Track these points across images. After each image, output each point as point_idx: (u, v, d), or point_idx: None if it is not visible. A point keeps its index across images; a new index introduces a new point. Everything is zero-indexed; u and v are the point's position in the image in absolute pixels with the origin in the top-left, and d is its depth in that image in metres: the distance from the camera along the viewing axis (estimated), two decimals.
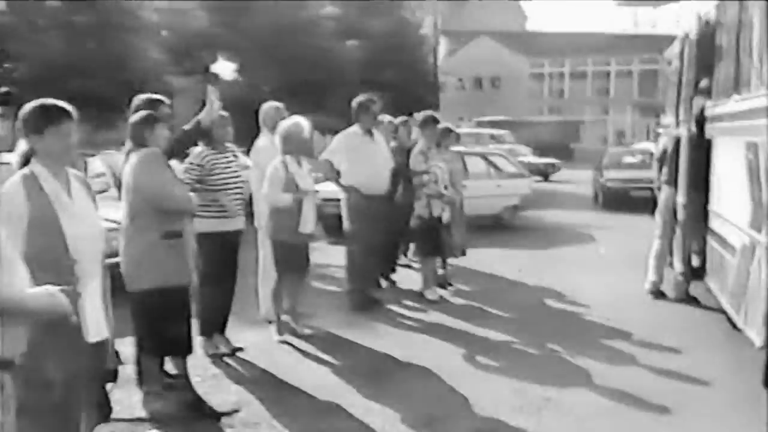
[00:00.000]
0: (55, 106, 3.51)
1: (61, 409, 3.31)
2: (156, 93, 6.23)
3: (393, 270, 9.75)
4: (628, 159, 21.47)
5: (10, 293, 2.65)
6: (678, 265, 9.11)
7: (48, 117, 3.47)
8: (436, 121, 9.10)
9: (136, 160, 5.08)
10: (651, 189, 16.42)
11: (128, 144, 5.29)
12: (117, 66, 19.34)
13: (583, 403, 5.54)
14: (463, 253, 9.66)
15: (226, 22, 21.74)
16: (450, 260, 9.57)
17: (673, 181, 9.18)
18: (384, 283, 9.39)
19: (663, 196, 9.43)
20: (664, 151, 9.83)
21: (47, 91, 4.42)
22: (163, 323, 5.07)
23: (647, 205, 16.74)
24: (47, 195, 3.37)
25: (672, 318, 8.17)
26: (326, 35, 23.00)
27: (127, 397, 5.40)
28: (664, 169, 9.51)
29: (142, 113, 5.27)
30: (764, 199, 5.65)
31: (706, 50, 8.95)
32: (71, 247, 3.36)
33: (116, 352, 4.12)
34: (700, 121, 8.81)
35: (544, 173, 29.59)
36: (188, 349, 5.43)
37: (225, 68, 5.93)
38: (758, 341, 5.55)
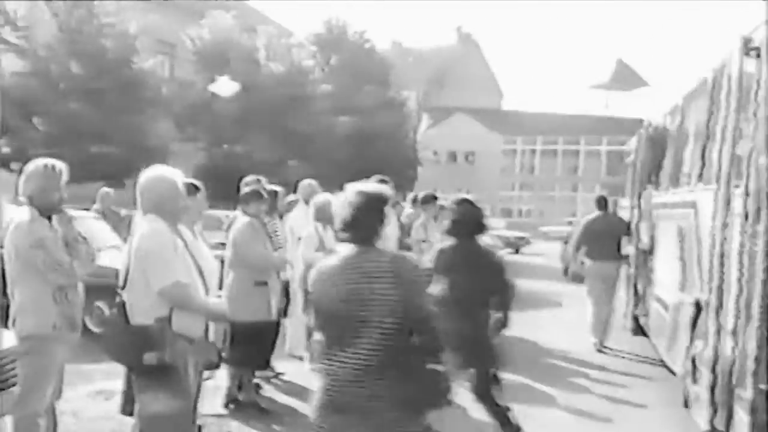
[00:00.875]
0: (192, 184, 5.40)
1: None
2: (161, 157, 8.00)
3: None
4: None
5: (202, 299, 4.52)
6: (628, 323, 11.15)
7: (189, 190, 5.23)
8: (435, 198, 11.08)
9: (241, 225, 7.07)
10: None
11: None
12: (131, 131, 21.31)
13: (551, 418, 7.40)
14: None
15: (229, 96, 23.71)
16: None
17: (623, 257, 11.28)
18: None
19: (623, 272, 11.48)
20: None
21: (68, 151, 5.84)
22: (249, 346, 6.92)
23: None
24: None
25: (619, 362, 10.07)
26: (321, 111, 24.94)
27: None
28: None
29: (252, 188, 7.24)
30: (687, 269, 7.61)
31: (656, 149, 11.05)
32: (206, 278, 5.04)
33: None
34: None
35: (516, 246, 31.62)
36: (266, 365, 7.33)
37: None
38: (677, 371, 7.49)
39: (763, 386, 4.50)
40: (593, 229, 11.20)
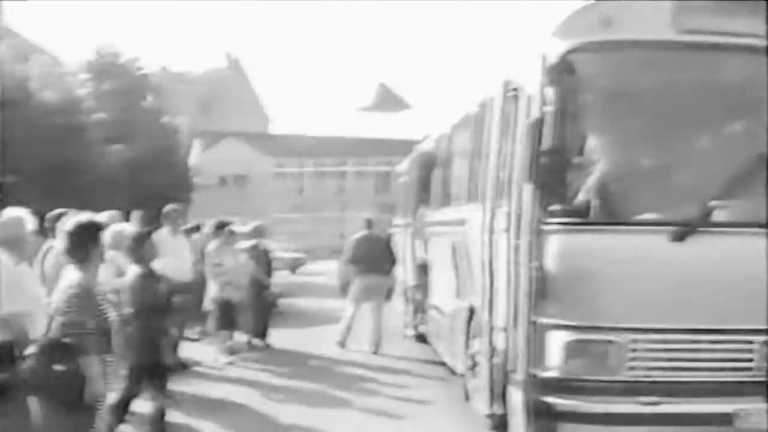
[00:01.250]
0: None
1: None
2: None
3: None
4: None
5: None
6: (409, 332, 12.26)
7: None
8: (225, 225, 11.69)
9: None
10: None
11: None
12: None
13: (349, 418, 8.20)
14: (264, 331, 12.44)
15: None
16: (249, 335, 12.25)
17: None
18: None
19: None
20: None
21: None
22: None
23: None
24: None
25: (404, 367, 11.08)
26: (95, 139, 24.57)
27: None
28: None
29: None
30: (461, 279, 8.66)
31: (427, 172, 12.21)
32: None
33: None
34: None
35: (293, 267, 32.39)
36: None
37: None
38: (459, 370, 8.53)
39: (533, 370, 5.51)
40: (360, 247, 12.62)
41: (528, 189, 5.60)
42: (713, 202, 5.46)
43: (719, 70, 5.83)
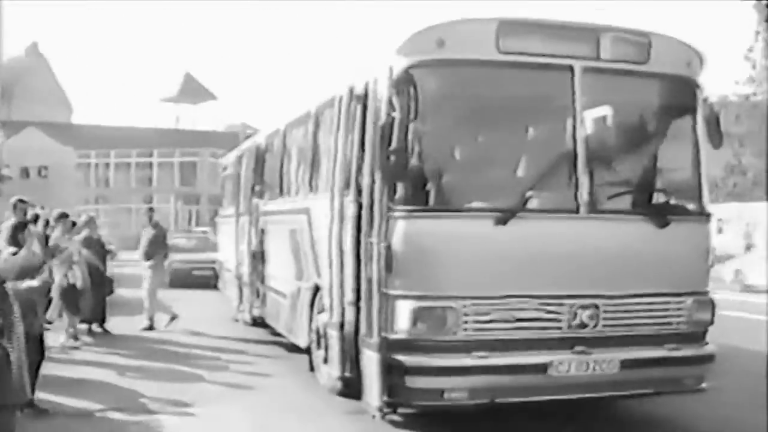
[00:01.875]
0: None
1: None
2: None
3: None
4: (189, 243, 25.36)
5: None
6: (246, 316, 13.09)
7: None
8: (67, 215, 12.08)
9: None
10: (212, 268, 20.65)
11: None
12: None
13: (203, 391, 8.94)
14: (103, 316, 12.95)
15: None
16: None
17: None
18: None
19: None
20: None
21: None
22: None
23: (209, 281, 21.01)
24: None
25: (246, 347, 11.94)
26: None
27: None
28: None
29: None
30: (303, 262, 9.58)
31: (260, 165, 13.02)
32: None
33: None
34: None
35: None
36: None
37: None
38: (303, 344, 9.46)
39: (385, 334, 6.54)
40: (149, 236, 14.50)
41: (378, 181, 6.61)
42: (528, 193, 6.72)
43: (533, 84, 7.09)
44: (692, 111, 7.37)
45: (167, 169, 61.36)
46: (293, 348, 10.47)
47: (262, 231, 12.43)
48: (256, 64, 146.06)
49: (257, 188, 12.97)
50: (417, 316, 6.45)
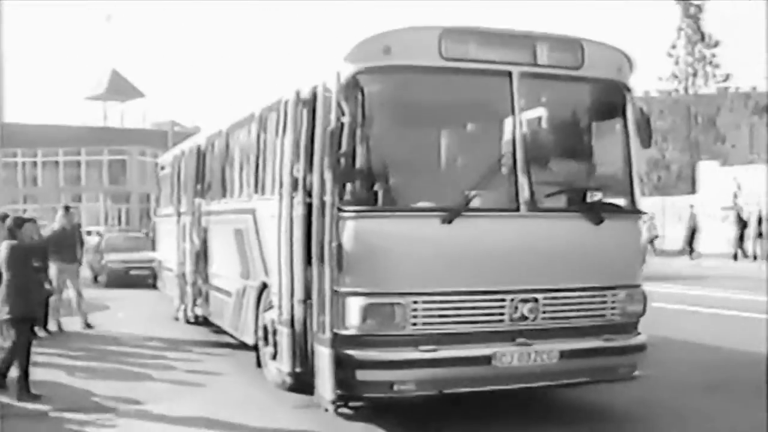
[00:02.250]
0: None
1: None
2: None
3: None
4: (126, 243, 25.28)
5: None
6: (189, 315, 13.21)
7: None
8: (6, 217, 12.06)
9: None
10: (149, 267, 20.70)
11: None
12: None
13: (150, 389, 9.07)
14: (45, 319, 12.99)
15: None
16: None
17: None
18: None
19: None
20: None
21: None
22: None
23: (145, 280, 21.01)
24: None
25: (189, 345, 12.06)
26: None
27: None
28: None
29: None
30: (249, 261, 9.77)
31: (202, 166, 13.13)
32: None
33: None
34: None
35: None
36: None
37: None
38: (250, 341, 9.65)
39: (336, 330, 6.79)
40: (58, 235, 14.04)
41: (328, 182, 6.86)
42: (472, 192, 7.05)
43: (474, 89, 7.43)
44: (623, 113, 7.78)
45: (96, 168, 60.51)
46: (238, 345, 10.67)
47: (205, 230, 12.55)
48: (183, 61, 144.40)
49: (199, 188, 13.09)
50: (367, 312, 6.72)
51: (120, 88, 69.55)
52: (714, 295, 19.13)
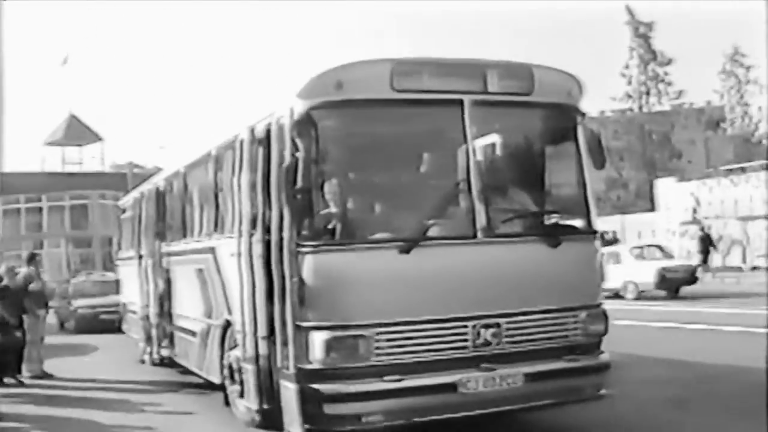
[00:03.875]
0: None
1: None
2: None
3: None
4: (95, 288, 25.12)
5: None
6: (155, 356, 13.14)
7: None
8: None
9: None
10: (117, 311, 20.76)
11: None
12: None
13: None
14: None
15: None
16: None
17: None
18: None
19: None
20: None
21: None
22: None
23: (113, 324, 21.06)
24: None
25: (156, 387, 11.97)
26: None
27: None
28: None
29: None
30: (212, 300, 9.73)
31: (161, 207, 13.10)
32: None
33: None
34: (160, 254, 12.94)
35: None
36: None
37: None
38: (217, 380, 9.59)
39: (301, 365, 6.78)
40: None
41: (286, 218, 6.89)
42: (429, 222, 7.12)
43: (426, 119, 7.53)
44: (574, 136, 7.89)
45: (57, 213, 59.84)
46: (204, 385, 10.59)
47: (167, 271, 12.49)
48: (139, 102, 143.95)
49: (160, 229, 13.03)
50: (330, 345, 6.72)
51: (78, 133, 68.84)
52: (683, 310, 19.42)
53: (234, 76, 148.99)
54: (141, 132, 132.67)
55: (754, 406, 7.96)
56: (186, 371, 11.84)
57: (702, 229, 31.34)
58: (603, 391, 7.76)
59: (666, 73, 53.47)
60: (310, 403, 6.76)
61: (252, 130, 7.86)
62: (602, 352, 7.85)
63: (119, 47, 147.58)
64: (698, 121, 55.71)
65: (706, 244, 29.88)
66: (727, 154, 50.83)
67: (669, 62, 53.09)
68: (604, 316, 7.81)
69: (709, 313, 18.46)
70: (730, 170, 37.68)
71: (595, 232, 7.95)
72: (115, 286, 23.06)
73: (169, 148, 77.09)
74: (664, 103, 53.55)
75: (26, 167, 73.72)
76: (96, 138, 69.80)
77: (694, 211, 35.44)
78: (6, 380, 12.86)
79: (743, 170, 36.70)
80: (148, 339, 13.77)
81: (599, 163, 7.94)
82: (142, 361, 14.04)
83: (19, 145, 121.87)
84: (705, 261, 29.54)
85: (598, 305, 7.82)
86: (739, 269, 32.20)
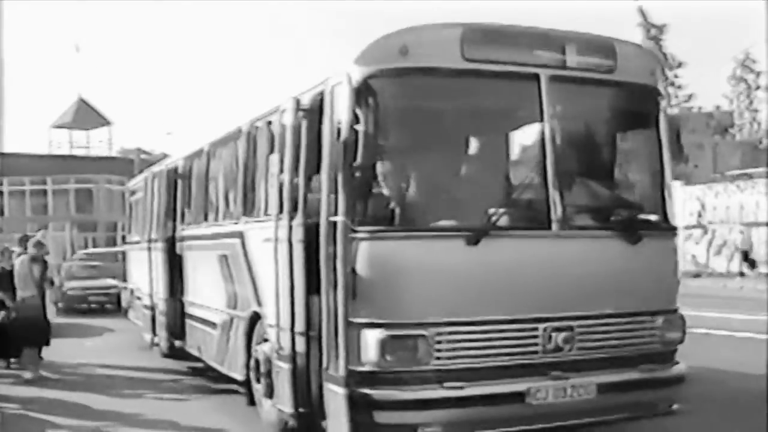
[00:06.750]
0: None
1: None
2: None
3: None
4: (85, 271, 24.63)
5: None
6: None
7: None
8: None
9: None
10: (106, 294, 20.61)
11: None
12: None
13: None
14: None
15: None
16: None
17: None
18: None
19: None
20: None
21: None
22: None
23: (104, 305, 20.98)
24: None
25: (161, 375, 11.43)
26: None
27: None
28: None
29: None
30: (237, 289, 8.93)
31: (177, 187, 12.27)
32: None
33: None
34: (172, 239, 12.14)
35: None
36: None
37: None
38: (240, 377, 8.78)
39: (351, 367, 5.96)
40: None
41: (341, 199, 6.06)
42: (499, 209, 6.27)
43: (499, 94, 6.68)
44: (656, 121, 7.07)
45: (62, 197, 59.13)
46: (219, 379, 9.86)
47: (182, 258, 11.70)
48: (148, 88, 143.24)
49: (173, 213, 12.25)
50: (385, 346, 5.90)
51: (86, 116, 68.09)
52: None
53: (244, 66, 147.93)
54: (149, 118, 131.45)
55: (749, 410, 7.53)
56: (199, 362, 11.07)
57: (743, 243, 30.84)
58: (675, 406, 6.94)
59: (676, 76, 52.78)
60: (358, 410, 5.94)
61: (297, 101, 7.02)
62: (677, 363, 7.03)
63: (131, 33, 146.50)
64: (707, 126, 54.94)
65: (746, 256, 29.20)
66: (734, 160, 49.99)
67: (680, 65, 52.40)
68: (682, 322, 6.99)
69: (709, 317, 17.67)
70: (737, 176, 37.07)
71: (675, 228, 7.16)
72: (105, 270, 24.03)
73: (176, 134, 76.45)
74: (674, 106, 52.80)
75: (34, 150, 72.78)
76: (104, 122, 69.10)
77: (699, 215, 34.86)
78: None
79: (750, 176, 36.06)
80: (155, 328, 13.01)
81: (677, 153, 7.15)
82: (152, 347, 13.41)
83: (27, 127, 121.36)
84: (742, 274, 28.74)
85: (675, 310, 6.99)
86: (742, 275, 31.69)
